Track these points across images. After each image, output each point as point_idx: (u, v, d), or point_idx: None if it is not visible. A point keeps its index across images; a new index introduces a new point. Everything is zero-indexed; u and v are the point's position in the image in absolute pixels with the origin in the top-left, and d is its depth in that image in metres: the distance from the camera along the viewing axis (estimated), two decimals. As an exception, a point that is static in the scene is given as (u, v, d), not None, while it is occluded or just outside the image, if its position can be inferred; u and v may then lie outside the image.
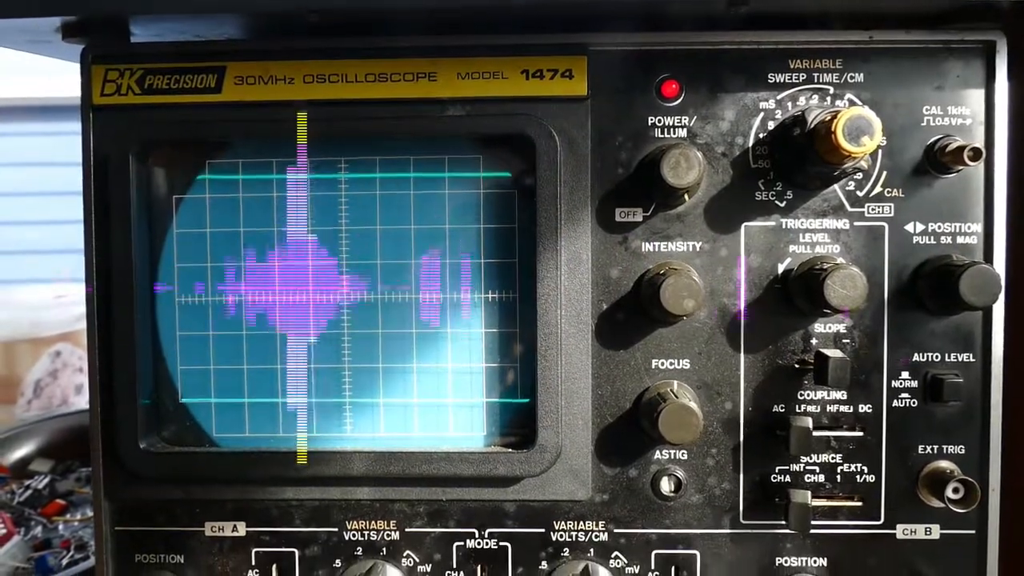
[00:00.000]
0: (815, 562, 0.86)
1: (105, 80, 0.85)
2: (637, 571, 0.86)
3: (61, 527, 1.34)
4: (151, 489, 0.87)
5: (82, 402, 2.13)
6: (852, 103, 0.83)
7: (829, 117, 0.75)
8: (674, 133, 0.84)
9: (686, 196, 0.83)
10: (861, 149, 0.74)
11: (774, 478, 0.85)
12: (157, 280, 0.88)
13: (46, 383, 2.11)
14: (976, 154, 0.79)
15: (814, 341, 0.84)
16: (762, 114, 0.84)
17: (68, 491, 1.46)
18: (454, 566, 0.87)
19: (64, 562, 1.20)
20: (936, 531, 0.85)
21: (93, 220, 0.86)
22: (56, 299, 2.36)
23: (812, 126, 0.78)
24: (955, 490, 0.81)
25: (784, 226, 0.84)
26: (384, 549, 0.88)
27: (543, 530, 0.87)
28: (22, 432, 1.61)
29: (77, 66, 0.87)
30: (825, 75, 0.83)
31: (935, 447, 0.84)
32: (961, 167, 0.81)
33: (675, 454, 0.85)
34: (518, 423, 0.87)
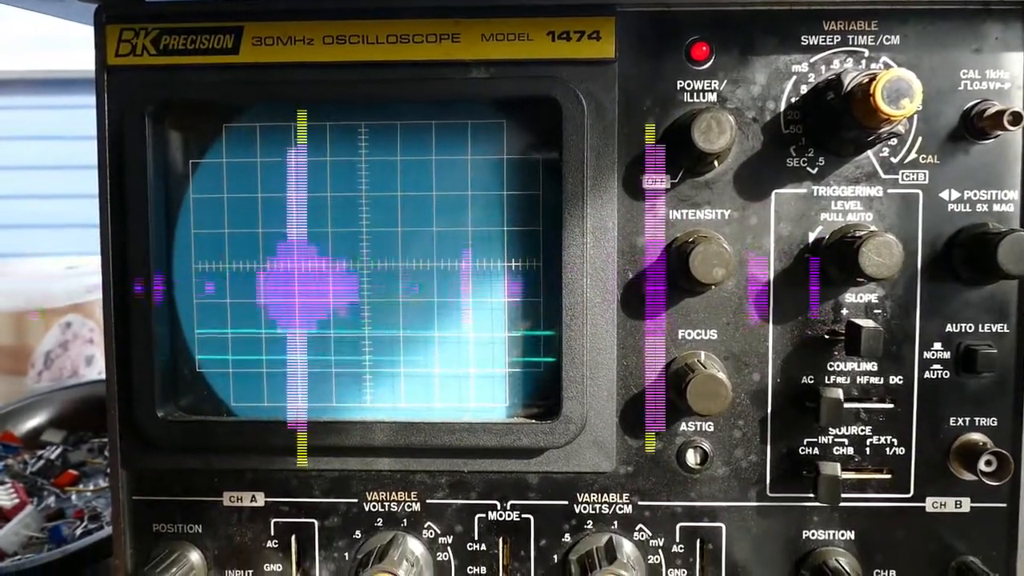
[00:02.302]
0: (843, 535, 0.84)
1: (120, 40, 0.83)
2: (662, 544, 0.85)
3: (74, 497, 1.33)
4: (168, 458, 0.86)
5: (92, 373, 2.12)
6: (887, 66, 0.81)
7: (867, 79, 0.73)
8: (703, 97, 0.82)
9: (716, 162, 0.81)
10: (901, 112, 0.72)
11: (802, 450, 0.84)
12: (173, 246, 0.86)
13: (56, 354, 2.10)
14: (1017, 118, 0.77)
15: (845, 311, 0.82)
16: (794, 78, 0.81)
17: (81, 462, 1.45)
18: (476, 538, 0.86)
19: (78, 532, 1.19)
20: (966, 504, 0.83)
21: (108, 184, 0.84)
22: (67, 270, 2.35)
23: (848, 89, 0.76)
24: (988, 463, 0.80)
25: (815, 193, 0.82)
26: (405, 520, 0.86)
27: (566, 502, 0.86)
28: (34, 403, 1.61)
29: (90, 40, 0.84)
30: (860, 37, 0.81)
31: (967, 419, 0.83)
32: (1000, 132, 0.79)
33: (701, 426, 0.84)
34: (541, 394, 0.86)
